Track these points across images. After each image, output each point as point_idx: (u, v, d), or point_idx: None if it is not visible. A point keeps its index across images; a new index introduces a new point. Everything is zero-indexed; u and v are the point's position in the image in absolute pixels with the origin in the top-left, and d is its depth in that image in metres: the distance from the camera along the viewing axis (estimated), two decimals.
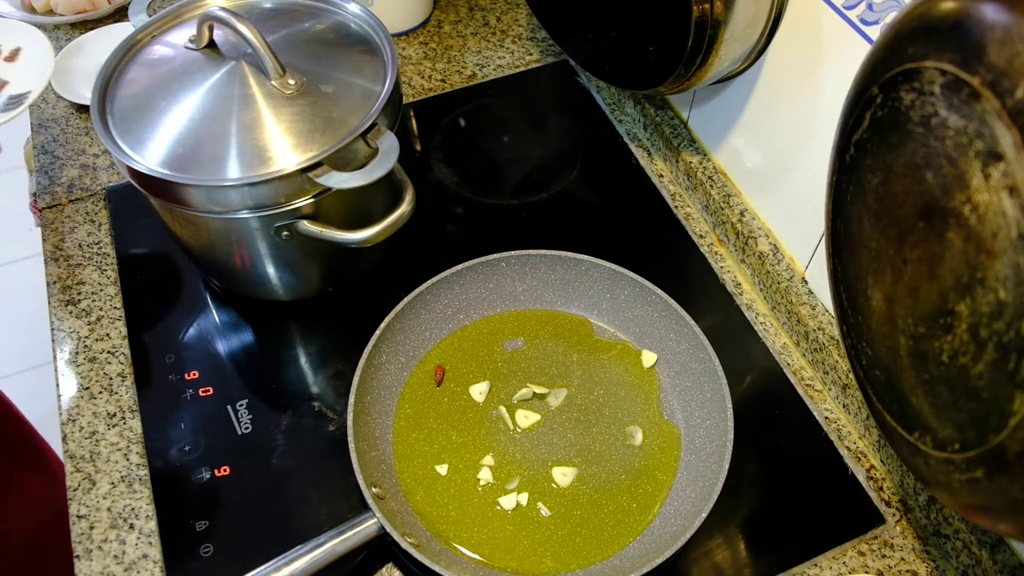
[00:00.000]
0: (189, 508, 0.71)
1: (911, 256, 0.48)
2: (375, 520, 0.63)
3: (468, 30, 1.13)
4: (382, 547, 0.68)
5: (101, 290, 0.85)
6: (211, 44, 0.75)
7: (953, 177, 0.43)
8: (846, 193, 0.54)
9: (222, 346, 0.81)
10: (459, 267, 0.78)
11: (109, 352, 0.81)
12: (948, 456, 0.47)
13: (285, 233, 0.71)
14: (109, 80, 0.73)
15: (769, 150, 0.81)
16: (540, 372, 0.78)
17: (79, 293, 0.85)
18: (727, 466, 0.66)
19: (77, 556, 0.69)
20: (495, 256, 0.79)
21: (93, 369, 0.80)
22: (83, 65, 1.04)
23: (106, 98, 0.72)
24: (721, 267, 0.88)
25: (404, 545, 0.62)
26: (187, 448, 0.74)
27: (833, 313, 0.69)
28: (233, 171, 0.67)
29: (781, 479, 0.74)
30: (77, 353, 0.81)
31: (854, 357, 0.58)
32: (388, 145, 0.69)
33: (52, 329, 0.82)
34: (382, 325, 0.74)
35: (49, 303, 0.84)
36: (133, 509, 0.71)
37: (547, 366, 0.78)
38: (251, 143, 0.68)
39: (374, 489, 0.66)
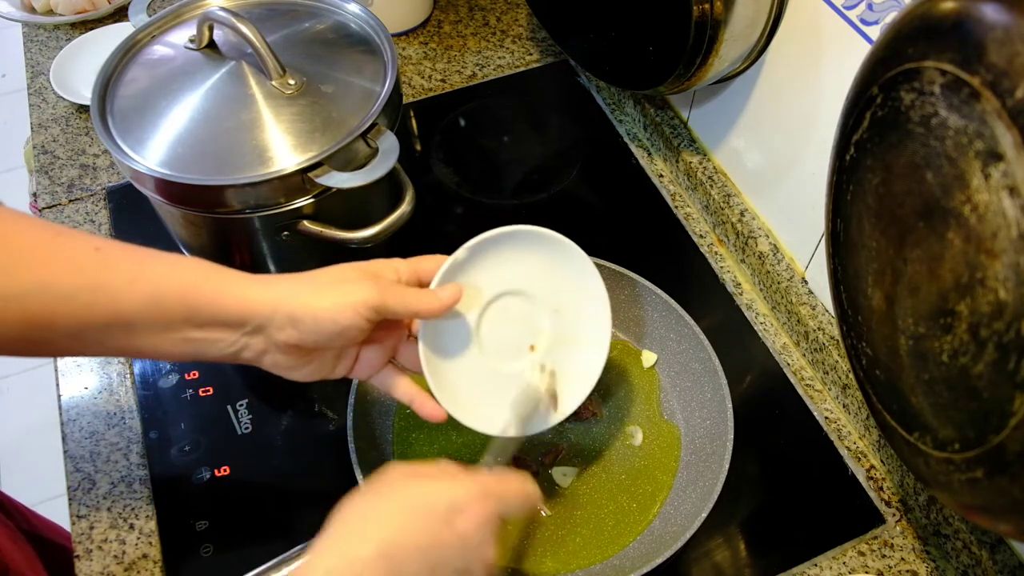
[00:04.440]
0: (189, 508, 0.71)
1: (911, 256, 0.48)
2: None
3: (468, 30, 1.13)
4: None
5: None
6: (211, 44, 0.75)
7: (953, 177, 0.43)
8: (846, 193, 0.54)
9: None
10: None
11: None
12: (948, 456, 0.47)
13: (285, 233, 0.71)
14: (109, 80, 0.73)
15: (769, 150, 0.81)
16: None
17: None
18: (727, 466, 0.66)
19: (77, 556, 0.69)
20: None
21: (93, 369, 0.80)
22: (83, 65, 1.04)
23: (106, 98, 0.72)
24: (721, 267, 0.88)
25: None
26: (187, 448, 0.74)
27: (833, 313, 0.69)
28: (233, 171, 0.67)
29: (781, 479, 0.74)
30: None
31: (854, 357, 0.58)
32: (388, 145, 0.69)
33: None
34: None
35: None
36: (133, 509, 0.71)
37: None
38: (251, 143, 0.68)
39: None
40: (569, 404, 0.63)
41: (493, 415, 0.61)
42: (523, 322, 0.62)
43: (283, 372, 0.56)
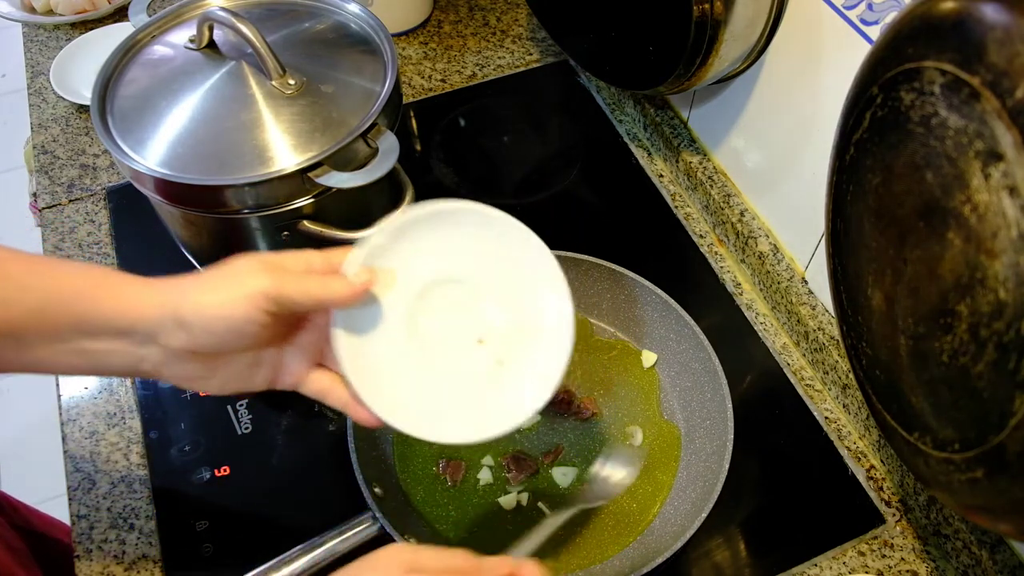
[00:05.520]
0: (189, 508, 0.71)
1: (911, 256, 0.48)
2: (375, 520, 0.63)
3: (468, 30, 1.13)
4: (382, 547, 0.68)
5: None
6: (211, 44, 0.75)
7: (953, 177, 0.43)
8: (846, 193, 0.54)
9: None
10: None
11: None
12: (948, 456, 0.47)
13: (285, 233, 0.71)
14: (109, 80, 0.73)
15: (769, 150, 0.81)
16: None
17: None
18: (727, 466, 0.66)
19: (77, 556, 0.69)
20: None
21: None
22: (83, 65, 1.04)
23: (106, 98, 0.72)
24: (721, 267, 0.88)
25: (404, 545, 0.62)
26: (187, 448, 0.74)
27: (833, 313, 0.69)
28: (233, 171, 0.67)
29: (781, 479, 0.74)
30: None
31: (854, 357, 0.58)
32: (388, 145, 0.69)
33: None
34: None
35: None
36: (133, 509, 0.71)
37: None
38: (251, 143, 0.68)
39: (374, 489, 0.66)
40: (531, 405, 0.53)
41: (438, 419, 0.52)
42: (467, 313, 0.53)
43: (192, 385, 0.52)
